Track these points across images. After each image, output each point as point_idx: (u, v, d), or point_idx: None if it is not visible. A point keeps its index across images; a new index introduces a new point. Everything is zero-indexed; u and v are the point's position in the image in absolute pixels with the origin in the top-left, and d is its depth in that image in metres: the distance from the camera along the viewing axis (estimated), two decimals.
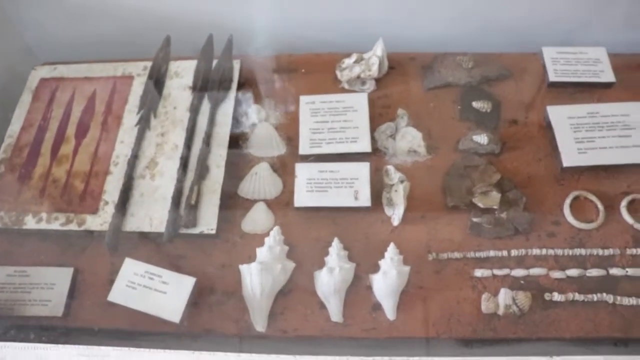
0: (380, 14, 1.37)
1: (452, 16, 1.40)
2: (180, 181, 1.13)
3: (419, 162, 1.21)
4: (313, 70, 1.33)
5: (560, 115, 1.19)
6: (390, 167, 1.15)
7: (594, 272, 1.10)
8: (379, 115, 1.27)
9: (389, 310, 1.06)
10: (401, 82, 1.31)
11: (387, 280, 1.06)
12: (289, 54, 1.36)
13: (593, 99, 1.29)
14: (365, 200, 1.10)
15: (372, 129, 1.23)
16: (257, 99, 1.29)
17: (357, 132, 1.17)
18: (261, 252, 1.09)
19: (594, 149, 1.16)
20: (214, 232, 1.10)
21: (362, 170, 1.13)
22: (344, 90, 1.29)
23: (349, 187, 1.11)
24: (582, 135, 1.17)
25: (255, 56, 1.35)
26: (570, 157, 1.15)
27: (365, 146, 1.15)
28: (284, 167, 1.21)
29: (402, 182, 1.14)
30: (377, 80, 1.30)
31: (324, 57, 1.34)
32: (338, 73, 1.28)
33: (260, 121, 1.23)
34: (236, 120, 1.25)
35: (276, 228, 1.12)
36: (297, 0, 1.35)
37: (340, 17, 1.37)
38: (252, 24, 1.36)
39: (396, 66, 1.34)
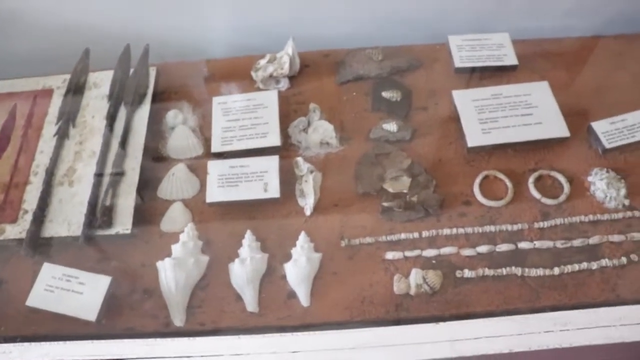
0: (296, 15, 1.40)
1: (369, 13, 1.44)
2: (96, 185, 1.15)
3: (331, 153, 1.23)
4: (231, 73, 1.36)
5: (465, 99, 1.22)
6: (300, 159, 1.17)
7: (503, 247, 1.12)
8: (293, 111, 1.30)
9: (303, 297, 1.08)
10: (315, 78, 1.35)
11: (298, 268, 1.08)
12: (207, 60, 1.39)
13: (501, 82, 1.32)
14: (274, 191, 1.12)
15: (287, 125, 1.25)
16: (176, 104, 1.31)
17: (267, 127, 1.20)
18: (175, 249, 1.11)
19: (498, 129, 1.19)
20: (129, 231, 1.11)
21: (271, 163, 1.15)
22: (259, 90, 1.31)
23: (259, 180, 1.14)
24: (486, 116, 1.20)
25: (174, 63, 1.38)
26: (474, 137, 1.18)
27: (274, 140, 1.18)
28: (201, 167, 1.23)
29: (311, 172, 1.16)
30: (292, 79, 1.33)
31: (242, 61, 1.37)
32: (253, 74, 1.31)
33: (177, 125, 1.25)
34: (155, 125, 1.27)
35: (190, 225, 1.14)
36: (213, 7, 1.38)
37: (257, 21, 1.40)
38: (171, 33, 1.39)
39: (311, 64, 1.38)
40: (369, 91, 1.32)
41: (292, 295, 1.09)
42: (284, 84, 1.31)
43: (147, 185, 1.23)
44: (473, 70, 1.30)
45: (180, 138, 1.24)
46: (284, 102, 1.31)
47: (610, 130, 1.21)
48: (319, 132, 1.23)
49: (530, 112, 1.20)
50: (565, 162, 1.23)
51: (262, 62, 1.31)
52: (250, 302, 1.08)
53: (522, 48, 1.38)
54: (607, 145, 1.19)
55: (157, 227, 1.18)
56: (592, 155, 1.24)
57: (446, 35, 1.38)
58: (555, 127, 1.19)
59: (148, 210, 1.20)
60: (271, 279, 1.11)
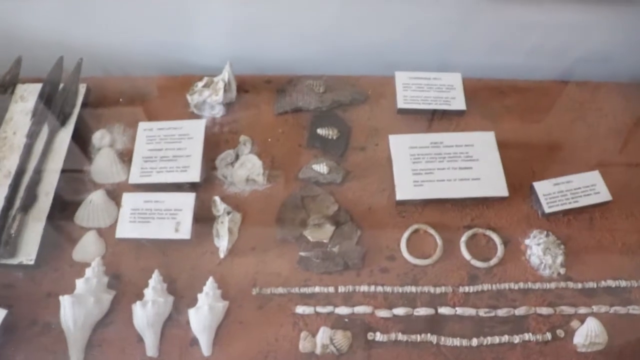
0: (243, 34, 1.31)
1: (325, 38, 1.35)
2: (5, 210, 1.10)
3: (257, 191, 1.16)
4: (168, 93, 1.29)
5: (401, 145, 1.14)
6: (217, 198, 1.11)
7: (422, 311, 1.05)
8: (225, 142, 1.23)
9: (204, 345, 1.03)
10: (253, 106, 1.27)
11: (200, 316, 1.03)
12: (143, 77, 1.32)
13: (449, 126, 1.23)
14: (185, 232, 1.06)
15: (215, 157, 1.18)
16: (105, 123, 1.24)
17: (189, 160, 1.13)
18: (79, 284, 1.06)
19: (432, 182, 1.11)
20: (32, 262, 1.07)
21: (187, 201, 1.09)
22: (192, 115, 1.24)
23: (172, 218, 1.07)
24: (422, 167, 1.12)
25: (110, 79, 1.31)
26: (404, 190, 1.10)
27: (194, 176, 1.11)
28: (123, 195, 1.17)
29: (228, 213, 1.09)
30: (229, 105, 1.25)
31: (179, 80, 1.29)
32: (189, 97, 1.23)
33: (103, 147, 1.19)
34: (84, 145, 1.21)
35: (97, 259, 1.08)
36: (157, 22, 1.30)
37: (203, 39, 1.32)
38: (111, 45, 1.32)
39: (251, 90, 1.30)
40: (306, 125, 1.23)
41: (194, 342, 1.04)
42: (219, 111, 1.24)
43: (66, 209, 1.17)
44: (415, 111, 1.21)
45: (105, 161, 1.18)
46: (216, 131, 1.24)
47: (552, 193, 1.12)
48: (247, 167, 1.16)
49: (470, 165, 1.12)
50: (505, 221, 1.15)
51: (199, 85, 1.24)
52: (150, 347, 1.03)
53: (478, 88, 1.30)
54: (547, 210, 1.11)
55: (69, 255, 1.13)
56: (534, 215, 1.16)
57: (403, 66, 1.29)
58: (494, 185, 1.11)
59: (63, 237, 1.15)
60: (176, 322, 1.06)
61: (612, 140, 1.26)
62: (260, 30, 1.31)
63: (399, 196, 1.09)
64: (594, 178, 1.14)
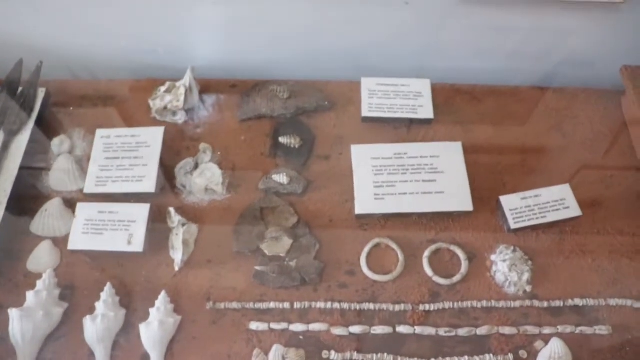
0: (212, 36, 1.27)
1: (293, 41, 1.30)
2: None
3: (216, 201, 1.13)
4: (131, 97, 1.25)
5: (363, 155, 1.10)
6: (172, 210, 1.07)
7: (379, 330, 1.01)
8: (186, 149, 1.19)
9: None
10: (217, 112, 1.23)
11: (150, 331, 1.00)
12: (107, 80, 1.27)
13: (421, 134, 1.18)
14: (138, 244, 1.03)
15: (175, 165, 1.14)
16: (66, 129, 1.20)
17: (145, 170, 1.09)
18: (29, 297, 1.03)
19: (393, 195, 1.06)
20: None
21: (142, 212, 1.05)
22: (155, 121, 1.20)
23: (125, 230, 1.04)
24: (384, 179, 1.07)
25: (71, 82, 1.28)
26: (364, 203, 1.06)
27: (149, 186, 1.08)
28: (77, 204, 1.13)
29: (183, 225, 1.06)
30: (191, 110, 1.21)
31: (144, 84, 1.25)
32: (151, 102, 1.19)
33: (62, 153, 1.16)
34: (39, 152, 1.17)
35: (49, 271, 1.06)
36: (123, 22, 1.26)
37: (172, 41, 1.28)
38: (75, 48, 1.28)
39: (215, 94, 1.25)
40: (270, 132, 1.19)
41: (146, 357, 1.01)
42: (181, 117, 1.20)
43: (22, 217, 1.14)
44: (379, 120, 1.16)
45: (63, 168, 1.15)
46: (178, 138, 1.20)
47: (519, 208, 1.07)
48: (206, 176, 1.12)
49: (435, 178, 1.07)
50: (471, 235, 1.11)
51: (162, 90, 1.19)
52: None
53: (452, 94, 1.24)
54: (512, 226, 1.06)
55: (24, 265, 1.10)
56: (502, 229, 1.11)
57: (379, 71, 1.23)
58: (459, 199, 1.06)
59: (18, 246, 1.12)
60: (129, 336, 1.03)
61: (587, 150, 1.21)
62: (231, 33, 1.26)
63: (358, 210, 1.05)
64: (563, 192, 1.09)
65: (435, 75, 1.26)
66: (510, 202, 1.07)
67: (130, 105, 1.24)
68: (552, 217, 1.07)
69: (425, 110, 1.15)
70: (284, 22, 1.25)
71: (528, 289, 1.05)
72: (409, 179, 1.07)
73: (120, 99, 1.26)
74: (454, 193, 1.06)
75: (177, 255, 1.06)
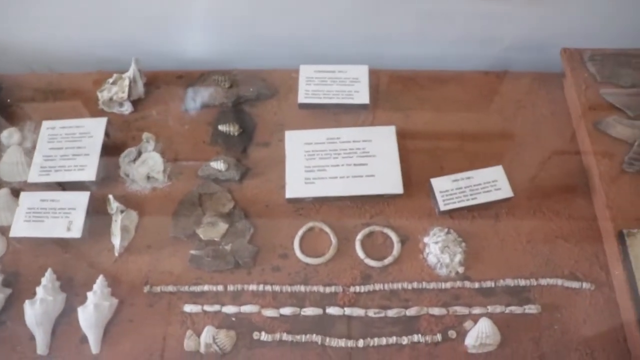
0: (160, 28, 1.30)
1: (239, 31, 1.32)
2: None
3: (158, 188, 1.16)
4: (82, 89, 1.28)
5: (297, 141, 1.12)
6: (111, 197, 1.11)
7: (309, 312, 1.03)
8: (132, 139, 1.23)
9: (93, 343, 1.04)
10: (162, 102, 1.27)
11: (86, 314, 1.04)
12: (59, 74, 1.31)
13: (359, 119, 1.19)
14: (76, 231, 1.06)
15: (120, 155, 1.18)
16: (18, 121, 1.24)
17: (87, 159, 1.13)
18: None
19: (324, 179, 1.08)
20: None
21: (82, 199, 1.09)
22: (103, 113, 1.23)
23: (66, 217, 1.07)
24: (315, 164, 1.09)
25: (25, 75, 1.31)
26: (295, 188, 1.08)
27: (90, 175, 1.11)
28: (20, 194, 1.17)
29: (122, 212, 1.09)
30: (139, 101, 1.24)
31: (94, 76, 1.29)
32: (99, 94, 1.23)
33: (11, 145, 1.19)
34: None
35: None
36: (75, 15, 1.29)
37: (121, 33, 1.31)
38: (30, 39, 1.31)
39: (162, 86, 1.29)
40: (212, 121, 1.21)
41: (85, 340, 1.04)
42: (128, 108, 1.23)
43: None
44: (317, 106, 1.18)
45: (11, 160, 1.19)
46: (124, 128, 1.24)
47: (450, 190, 1.08)
48: (148, 165, 1.15)
49: (366, 162, 1.09)
50: (406, 218, 1.12)
51: (109, 81, 1.23)
52: (40, 345, 1.04)
53: (393, 80, 1.26)
54: (442, 207, 1.07)
55: None
56: (436, 212, 1.11)
57: (326, 59, 1.25)
58: (389, 182, 1.08)
59: None
60: (69, 320, 1.06)
61: (528, 133, 1.21)
62: (179, 24, 1.29)
63: (289, 194, 1.07)
64: (496, 174, 1.10)
65: (382, 62, 1.28)
66: (441, 184, 1.08)
67: (81, 97, 1.28)
68: (482, 199, 1.08)
69: (362, 95, 1.17)
70: (229, 13, 1.28)
71: (460, 270, 1.06)
72: (340, 163, 1.09)
73: (71, 92, 1.30)
74: (384, 176, 1.08)
75: (116, 241, 1.09)
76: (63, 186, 1.14)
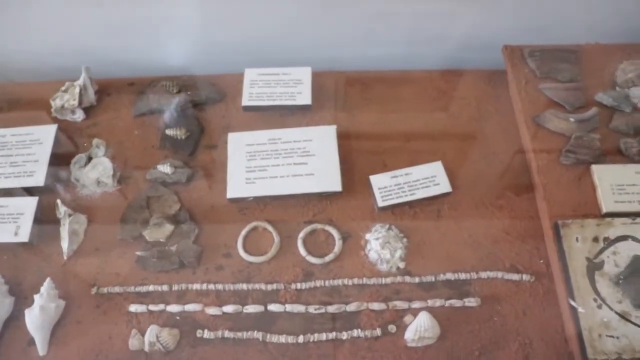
0: (111, 36, 1.33)
1: (192, 37, 1.35)
2: None
3: (108, 192, 1.19)
4: (37, 98, 1.32)
5: (239, 142, 1.16)
6: (58, 201, 1.14)
7: (251, 309, 1.06)
8: (83, 145, 1.25)
9: (40, 345, 1.07)
10: (114, 109, 1.30)
11: (32, 317, 1.06)
12: (17, 83, 1.36)
13: (304, 120, 1.22)
14: (24, 236, 1.10)
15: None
16: None
17: (36, 166, 1.16)
18: None
19: (264, 179, 1.11)
20: None
21: (30, 204, 1.12)
22: (56, 120, 1.27)
23: (14, 222, 1.10)
24: (256, 164, 1.12)
25: None
26: (236, 188, 1.11)
27: (39, 180, 1.15)
28: None
29: (69, 216, 1.12)
30: (90, 108, 1.28)
31: (49, 85, 1.32)
32: (52, 102, 1.26)
33: None
34: None
35: None
36: (34, 25, 1.33)
37: (78, 42, 1.35)
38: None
39: (114, 93, 1.32)
40: (162, 126, 1.25)
41: (32, 342, 1.07)
42: (79, 115, 1.27)
43: None
44: (260, 108, 1.21)
45: None
46: (77, 134, 1.28)
47: (389, 186, 1.11)
48: (98, 170, 1.19)
49: (306, 161, 1.12)
50: (348, 216, 1.15)
51: (62, 89, 1.26)
52: None
53: (340, 81, 1.30)
54: (380, 203, 1.09)
55: None
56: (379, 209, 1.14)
57: (280, 62, 1.29)
58: (328, 180, 1.11)
59: None
60: (18, 323, 1.09)
61: (472, 129, 1.24)
62: (130, 32, 1.33)
63: (229, 194, 1.10)
64: (435, 169, 1.12)
65: (332, 64, 1.31)
66: (379, 181, 1.11)
67: (37, 106, 1.32)
68: (421, 194, 1.10)
69: (304, 96, 1.20)
70: (180, 21, 1.31)
71: (401, 265, 1.09)
72: (281, 162, 1.12)
73: (27, 101, 1.34)
74: (324, 174, 1.11)
75: (65, 244, 1.12)
76: (13, 192, 1.17)
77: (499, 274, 1.08)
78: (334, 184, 1.10)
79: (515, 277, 1.08)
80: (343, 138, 1.20)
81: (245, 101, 1.21)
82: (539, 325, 1.04)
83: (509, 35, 1.29)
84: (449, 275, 1.08)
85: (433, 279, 1.08)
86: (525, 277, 1.07)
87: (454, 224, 1.13)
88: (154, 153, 1.23)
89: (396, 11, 1.26)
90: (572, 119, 1.14)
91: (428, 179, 1.11)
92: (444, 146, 1.21)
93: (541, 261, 1.09)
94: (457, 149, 1.21)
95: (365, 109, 1.26)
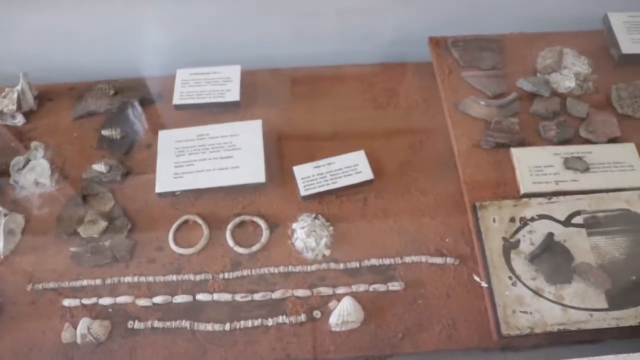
0: (52, 42, 1.39)
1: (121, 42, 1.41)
2: None
3: (46, 193, 1.24)
4: None
5: (169, 139, 1.21)
6: None
7: (179, 299, 1.09)
8: (24, 148, 1.30)
9: None
10: (54, 113, 1.36)
11: None
12: None
13: (237, 116, 1.27)
14: None
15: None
16: None
17: None
18: None
19: (191, 173, 1.16)
20: None
21: None
22: None
23: None
24: (184, 159, 1.17)
25: None
26: (164, 183, 1.16)
27: None
28: None
29: (5, 215, 1.16)
30: (30, 113, 1.33)
31: None
32: None
33: None
34: None
35: None
36: None
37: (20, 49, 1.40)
38: None
39: (54, 97, 1.38)
40: (98, 127, 1.30)
41: None
42: (20, 120, 1.32)
43: None
44: (190, 106, 1.26)
45: None
46: (17, 138, 1.32)
47: (312, 175, 1.15)
48: (36, 171, 1.24)
49: (232, 154, 1.16)
50: (276, 207, 1.20)
51: (1, 95, 1.32)
52: None
53: (272, 78, 1.34)
54: (303, 193, 1.14)
55: None
56: (307, 199, 1.18)
57: (218, 62, 1.34)
58: (253, 172, 1.15)
59: None
60: None
61: (400, 119, 1.29)
62: (68, 38, 1.39)
63: (158, 189, 1.15)
64: (357, 158, 1.17)
65: (267, 63, 1.36)
66: (302, 171, 1.16)
67: None
68: (343, 182, 1.15)
69: (233, 93, 1.25)
70: (117, 25, 1.37)
71: (327, 253, 1.13)
72: (208, 157, 1.17)
73: None
74: (248, 167, 1.16)
75: (0, 244, 1.16)
76: None
77: (423, 258, 1.12)
78: (258, 175, 1.15)
79: (439, 260, 1.12)
80: (274, 132, 1.26)
81: (176, 100, 1.26)
82: (463, 306, 1.08)
83: (439, 28, 1.34)
84: (374, 261, 1.12)
85: (358, 265, 1.12)
86: (450, 260, 1.11)
87: (380, 212, 1.17)
88: (92, 153, 1.28)
89: (324, 9, 1.31)
90: (491, 104, 1.18)
91: (350, 167, 1.15)
92: (372, 137, 1.26)
93: (465, 244, 1.13)
94: (385, 139, 1.25)
95: (296, 104, 1.31)
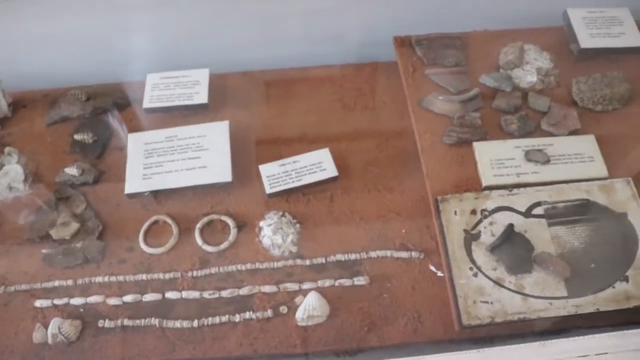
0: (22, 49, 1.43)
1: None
2: None
3: (20, 197, 1.26)
4: None
5: (139, 142, 1.24)
6: None
7: (149, 297, 1.12)
8: None
9: None
10: (28, 119, 1.39)
11: None
12: None
13: (207, 119, 1.30)
14: None
15: None
16: None
17: None
18: None
19: (160, 174, 1.20)
20: None
21: None
22: None
23: None
24: (153, 161, 1.21)
25: None
26: (133, 184, 1.19)
27: None
28: None
29: None
30: (5, 119, 1.37)
31: None
32: None
33: None
34: None
35: None
36: None
37: None
38: None
39: (29, 104, 1.41)
40: (72, 132, 1.33)
41: None
42: None
43: None
44: (159, 109, 1.29)
45: None
46: None
47: (277, 174, 1.18)
48: (9, 176, 1.27)
49: (199, 155, 1.20)
50: (244, 206, 1.23)
51: None
52: None
53: (242, 81, 1.38)
54: (268, 190, 1.16)
55: None
56: (274, 198, 1.21)
57: (193, 66, 1.38)
58: (219, 171, 1.18)
59: None
60: None
61: (366, 118, 1.32)
62: (42, 46, 1.42)
63: (127, 190, 1.18)
64: (322, 156, 1.20)
65: (238, 66, 1.40)
66: (268, 169, 1.19)
67: None
68: (308, 180, 1.18)
69: (201, 96, 1.29)
70: (92, 32, 1.41)
71: (293, 249, 1.15)
72: (176, 158, 1.20)
73: None
74: (215, 167, 1.19)
75: None
76: None
77: (389, 253, 1.14)
78: (225, 175, 1.18)
79: (404, 254, 1.14)
80: (243, 134, 1.29)
81: (147, 103, 1.30)
82: (428, 299, 1.10)
83: (406, 28, 1.38)
84: (339, 257, 1.14)
85: (324, 260, 1.14)
86: (415, 254, 1.14)
87: (346, 208, 1.20)
88: (65, 158, 1.32)
89: (290, 11, 1.35)
90: (454, 100, 1.21)
91: (315, 165, 1.18)
92: (340, 137, 1.29)
93: (430, 238, 1.15)
94: (352, 138, 1.29)
95: (265, 105, 1.35)
